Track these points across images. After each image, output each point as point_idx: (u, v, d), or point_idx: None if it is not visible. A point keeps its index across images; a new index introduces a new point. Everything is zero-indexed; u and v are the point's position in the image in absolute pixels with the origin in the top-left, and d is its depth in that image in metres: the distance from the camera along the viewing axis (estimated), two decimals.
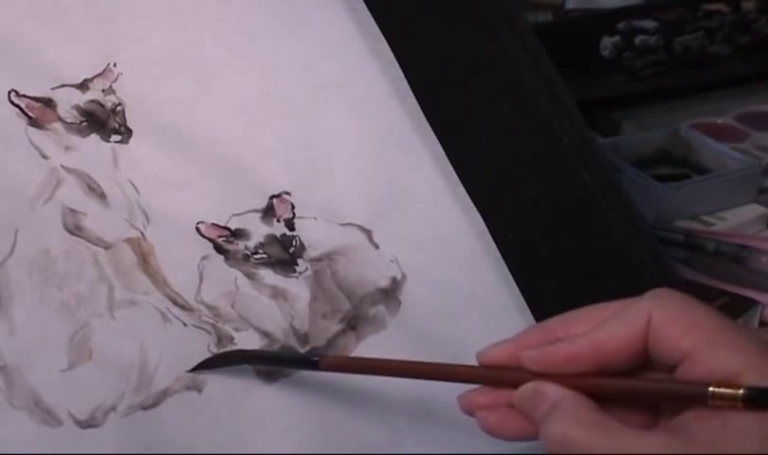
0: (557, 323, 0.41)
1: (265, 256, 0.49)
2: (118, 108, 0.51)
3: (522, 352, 0.39)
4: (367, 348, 0.47)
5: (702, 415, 0.36)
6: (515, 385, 0.39)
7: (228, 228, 0.49)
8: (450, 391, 0.47)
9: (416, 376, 0.43)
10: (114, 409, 0.43)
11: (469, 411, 0.41)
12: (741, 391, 0.35)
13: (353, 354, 0.47)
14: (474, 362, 0.41)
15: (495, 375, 0.40)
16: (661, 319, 0.38)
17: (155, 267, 0.47)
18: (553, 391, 0.38)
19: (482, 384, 0.41)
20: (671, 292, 0.39)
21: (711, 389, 0.35)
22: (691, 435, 0.36)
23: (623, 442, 0.36)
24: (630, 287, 0.42)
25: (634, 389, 0.39)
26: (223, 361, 0.45)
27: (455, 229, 0.52)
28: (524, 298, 0.50)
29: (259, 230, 0.50)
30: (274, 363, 0.46)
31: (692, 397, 0.36)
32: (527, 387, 0.39)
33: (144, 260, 0.47)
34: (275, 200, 0.51)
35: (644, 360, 0.39)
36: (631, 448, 0.35)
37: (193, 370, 0.45)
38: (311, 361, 0.45)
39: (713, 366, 0.36)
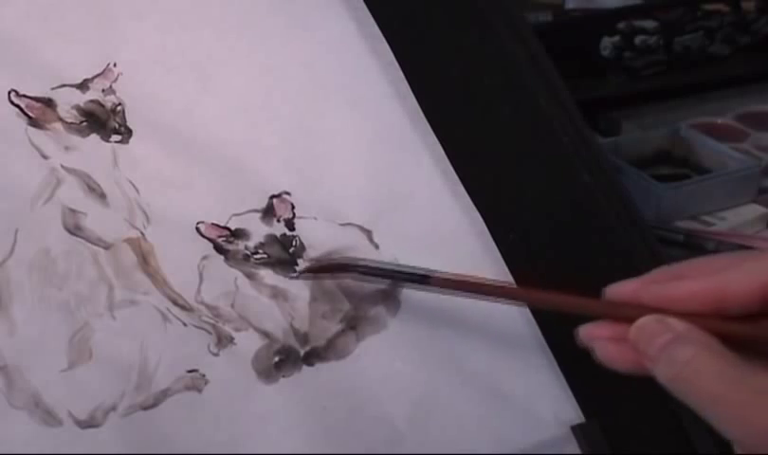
0: (685, 266, 0.40)
1: (265, 256, 0.49)
2: (118, 108, 0.51)
3: (645, 287, 0.39)
4: (367, 348, 0.47)
5: None
6: (633, 320, 0.38)
7: (228, 228, 0.49)
8: (450, 392, 0.47)
9: (529, 303, 0.43)
10: (114, 409, 0.43)
11: (589, 340, 0.40)
12: None
13: (351, 354, 0.47)
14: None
15: (613, 309, 0.40)
16: None
17: (155, 267, 0.47)
18: (677, 323, 0.37)
19: (600, 317, 0.40)
20: None
21: None
22: None
23: (756, 378, 0.34)
24: None
25: (755, 334, 0.37)
26: (330, 268, 0.46)
27: (455, 229, 0.52)
28: None
29: (259, 230, 0.50)
30: (385, 276, 0.47)
31: None
32: (649, 317, 0.38)
33: (144, 260, 0.47)
34: (275, 200, 0.51)
35: (765, 311, 0.37)
36: (763, 385, 0.34)
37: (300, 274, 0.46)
38: (422, 276, 0.45)
39: None
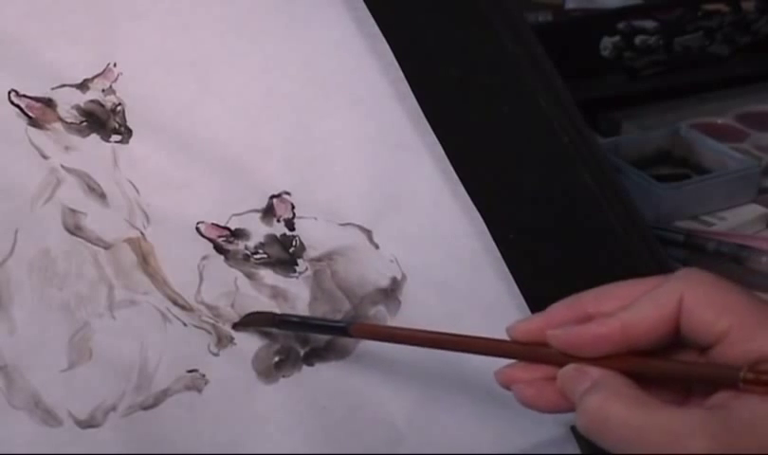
0: (588, 298, 0.41)
1: (265, 256, 0.49)
2: (118, 108, 0.51)
3: (550, 331, 0.39)
4: (367, 348, 0.47)
5: (739, 394, 0.36)
6: (546, 360, 0.39)
7: (228, 228, 0.49)
8: (450, 392, 0.47)
9: (445, 347, 0.43)
10: (114, 409, 0.43)
11: (506, 385, 0.41)
12: None
13: (351, 354, 0.47)
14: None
15: (526, 351, 0.41)
16: (693, 301, 0.38)
17: (155, 267, 0.47)
18: (594, 370, 0.38)
19: (511, 358, 0.41)
20: (701, 272, 0.39)
21: (743, 373, 0.35)
22: (729, 413, 0.35)
23: (660, 417, 0.35)
24: None
25: (666, 370, 0.39)
26: (253, 322, 0.46)
27: (455, 229, 0.52)
28: (524, 298, 0.50)
29: (259, 230, 0.50)
30: (304, 329, 0.47)
31: (725, 379, 0.36)
32: (569, 367, 0.39)
33: (144, 260, 0.47)
34: (275, 200, 0.51)
35: (673, 340, 0.39)
36: (669, 424, 0.35)
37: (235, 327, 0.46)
38: (341, 328, 0.45)
39: (749, 347, 0.36)
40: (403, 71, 0.56)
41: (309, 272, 0.49)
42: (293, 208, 0.51)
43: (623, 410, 0.36)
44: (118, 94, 0.52)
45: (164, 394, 0.44)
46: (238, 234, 0.49)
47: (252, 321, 0.46)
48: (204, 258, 0.48)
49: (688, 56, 0.94)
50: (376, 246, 0.51)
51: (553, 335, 0.39)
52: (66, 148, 0.49)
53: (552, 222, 0.54)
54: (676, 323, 0.38)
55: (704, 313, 0.37)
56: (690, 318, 0.38)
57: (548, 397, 0.40)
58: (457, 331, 0.48)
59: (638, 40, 0.93)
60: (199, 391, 0.45)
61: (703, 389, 0.38)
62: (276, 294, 0.48)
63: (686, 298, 0.38)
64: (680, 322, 0.38)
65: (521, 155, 0.55)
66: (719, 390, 0.37)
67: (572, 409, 0.39)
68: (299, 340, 0.47)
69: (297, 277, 0.49)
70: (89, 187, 0.49)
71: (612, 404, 0.36)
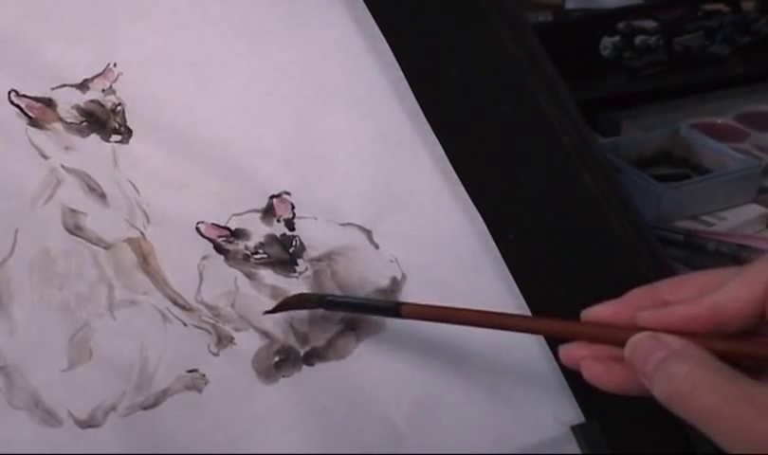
0: (665, 286, 0.40)
1: (265, 256, 0.49)
2: (118, 108, 0.51)
3: (638, 312, 0.39)
4: (367, 348, 0.47)
5: None
6: (619, 342, 0.39)
7: (228, 228, 0.49)
8: (450, 392, 0.47)
9: (506, 328, 0.43)
10: (114, 409, 0.43)
11: (572, 363, 0.40)
12: None
13: (351, 354, 0.47)
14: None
15: (597, 331, 0.40)
16: None
17: (155, 267, 0.47)
18: (673, 339, 0.37)
19: (581, 339, 0.40)
20: None
21: None
22: None
23: (751, 389, 0.35)
24: (630, 287, 0.42)
25: (753, 353, 0.38)
26: (299, 304, 0.46)
27: (455, 229, 0.52)
28: (524, 298, 0.50)
29: (259, 230, 0.50)
30: (353, 309, 0.47)
31: None
32: (643, 335, 0.38)
33: (144, 260, 0.47)
34: (275, 200, 0.51)
35: (759, 323, 0.38)
36: (761, 396, 0.34)
37: (271, 311, 0.46)
38: (390, 308, 0.45)
39: None
40: (403, 71, 0.56)
41: (309, 272, 0.49)
42: (293, 208, 0.51)
43: (713, 378, 0.35)
44: (118, 94, 0.52)
45: (164, 394, 0.44)
46: (238, 234, 0.49)
47: (296, 303, 0.47)
48: (204, 258, 0.48)
49: (688, 56, 0.94)
50: (376, 246, 0.51)
51: (642, 315, 0.39)
52: (66, 148, 0.49)
53: (552, 222, 0.54)
54: (764, 306, 0.37)
55: None
56: None
57: (616, 375, 0.39)
58: (457, 331, 0.48)
59: (638, 40, 0.93)
60: (199, 391, 0.45)
61: None
62: (276, 294, 0.48)
63: None
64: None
65: (521, 155, 0.55)
66: None
67: (638, 389, 0.38)
68: (299, 340, 0.47)
69: (297, 277, 0.49)
70: (89, 187, 0.49)
71: (701, 371, 0.35)
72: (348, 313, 0.47)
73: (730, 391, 0.35)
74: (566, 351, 0.41)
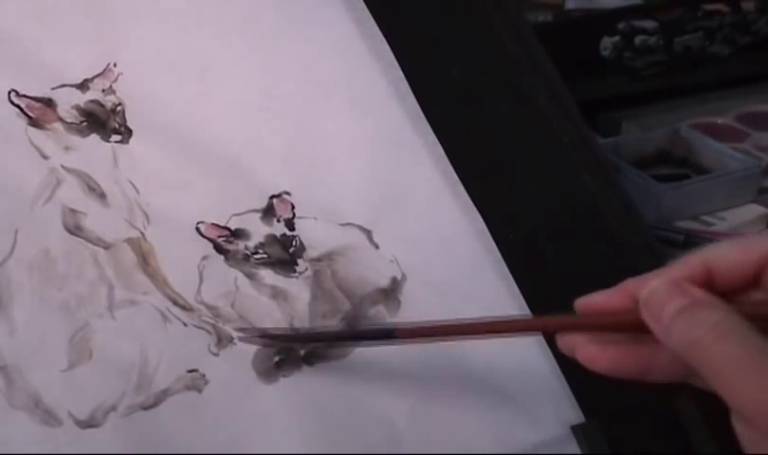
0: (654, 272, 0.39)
1: (265, 256, 0.49)
2: (118, 108, 0.51)
3: (631, 286, 0.38)
4: (367, 348, 0.47)
5: None
6: (613, 327, 0.38)
7: (228, 228, 0.49)
8: (450, 391, 0.47)
9: (498, 334, 0.43)
10: (114, 409, 0.43)
11: (569, 351, 0.40)
12: None
13: (351, 354, 0.47)
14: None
15: (592, 321, 0.40)
16: None
17: (154, 267, 0.47)
18: (695, 289, 0.36)
19: (576, 331, 0.40)
20: None
21: None
22: None
23: None
24: None
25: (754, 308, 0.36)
26: (290, 341, 0.46)
27: (455, 229, 0.52)
28: (524, 298, 0.50)
29: (259, 230, 0.50)
30: (348, 341, 0.47)
31: None
32: (661, 283, 0.37)
33: (144, 260, 0.47)
34: (275, 200, 0.51)
35: (749, 289, 0.37)
36: None
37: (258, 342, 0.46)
38: (387, 332, 0.45)
39: None
40: (403, 71, 0.56)
41: (309, 272, 0.49)
42: (293, 208, 0.51)
43: (744, 329, 0.34)
44: (118, 94, 0.52)
45: (164, 394, 0.44)
46: (238, 234, 0.49)
47: (286, 339, 0.46)
48: (204, 258, 0.48)
49: (688, 56, 0.94)
50: (376, 246, 0.51)
51: (632, 283, 0.38)
52: (66, 148, 0.49)
53: (552, 222, 0.54)
54: (759, 271, 0.37)
55: None
56: None
57: (611, 355, 0.38)
58: None
59: (638, 40, 0.93)
60: (199, 391, 0.45)
61: None
62: (276, 294, 0.48)
63: None
64: (764, 274, 0.37)
65: (520, 155, 0.55)
66: None
67: (631, 369, 0.38)
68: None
69: (297, 277, 0.49)
70: (89, 187, 0.49)
71: (736, 321, 0.35)
72: (344, 342, 0.47)
73: (759, 344, 0.34)
74: (564, 340, 0.40)
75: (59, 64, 0.51)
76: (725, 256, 0.38)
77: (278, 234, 0.50)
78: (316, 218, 0.51)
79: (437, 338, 0.45)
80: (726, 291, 0.37)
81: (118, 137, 0.51)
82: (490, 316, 0.43)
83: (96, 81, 0.52)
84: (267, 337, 0.46)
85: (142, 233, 0.48)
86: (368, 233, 0.51)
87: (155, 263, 0.47)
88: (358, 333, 0.48)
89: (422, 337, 0.45)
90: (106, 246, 0.47)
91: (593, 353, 0.39)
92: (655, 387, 0.41)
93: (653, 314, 0.37)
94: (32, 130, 0.49)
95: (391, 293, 0.49)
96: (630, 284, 0.40)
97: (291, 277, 0.49)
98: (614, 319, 0.39)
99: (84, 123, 0.51)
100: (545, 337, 0.48)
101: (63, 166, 0.49)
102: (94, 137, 0.50)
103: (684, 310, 0.36)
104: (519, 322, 0.45)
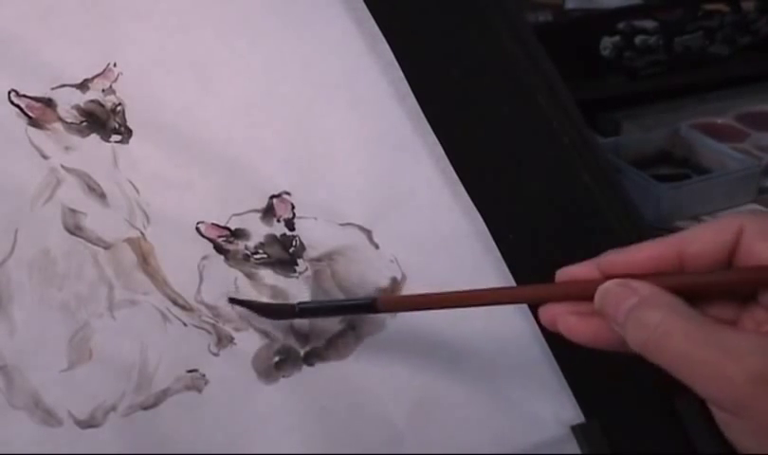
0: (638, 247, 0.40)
1: (265, 256, 0.49)
2: (118, 108, 0.51)
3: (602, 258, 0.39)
4: (367, 348, 0.47)
5: None
6: (590, 297, 0.39)
7: (228, 228, 0.49)
8: (450, 392, 0.47)
9: (480, 304, 0.43)
10: (114, 409, 0.43)
11: (551, 324, 0.40)
12: None
13: (351, 354, 0.47)
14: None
15: (572, 288, 0.40)
16: (754, 231, 0.37)
17: (155, 267, 0.47)
18: (642, 286, 0.37)
19: (551, 301, 0.40)
20: (765, 211, 0.39)
21: None
22: None
23: (720, 335, 0.35)
24: None
25: (724, 280, 0.38)
26: (273, 314, 0.46)
27: (455, 229, 0.52)
28: None
29: (259, 230, 0.50)
30: (329, 313, 0.47)
31: None
32: (612, 283, 0.38)
33: (144, 260, 0.47)
34: (275, 200, 0.51)
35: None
36: (728, 341, 0.35)
37: (239, 303, 0.46)
38: (367, 304, 0.45)
39: None
40: (403, 71, 0.56)
41: (309, 272, 0.49)
42: (293, 208, 0.51)
43: (685, 325, 0.35)
44: (118, 94, 0.52)
45: (164, 394, 0.44)
46: (238, 234, 0.49)
47: (266, 311, 0.47)
48: (204, 258, 0.48)
49: (688, 56, 0.94)
50: (376, 246, 0.51)
51: (605, 259, 0.39)
52: (66, 148, 0.49)
53: (552, 222, 0.54)
54: (731, 252, 0.37)
55: (762, 245, 0.37)
56: (750, 248, 0.37)
57: (591, 326, 0.39)
58: (457, 331, 0.48)
59: (638, 40, 0.93)
60: (199, 390, 0.45)
61: (752, 320, 0.37)
62: (276, 294, 0.48)
63: (747, 227, 0.37)
64: (737, 251, 0.37)
65: (520, 155, 0.55)
66: None
67: (612, 341, 0.38)
68: (299, 340, 0.47)
69: (297, 277, 0.49)
70: (89, 187, 0.49)
71: (674, 319, 0.36)
72: (327, 317, 0.47)
73: (701, 336, 0.35)
74: (545, 312, 0.41)
75: (59, 64, 0.51)
76: (698, 238, 0.38)
77: (278, 234, 0.50)
78: (316, 218, 0.51)
79: (419, 308, 0.45)
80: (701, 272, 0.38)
81: (118, 137, 0.51)
82: (472, 288, 0.44)
83: (96, 81, 0.52)
84: (254, 308, 0.46)
85: (142, 233, 0.48)
86: (368, 233, 0.51)
87: (154, 263, 0.47)
88: (340, 305, 0.48)
89: (403, 308, 0.46)
90: (106, 246, 0.47)
91: (574, 324, 0.40)
92: (655, 387, 0.41)
93: (609, 314, 0.38)
94: (32, 130, 0.49)
95: (391, 293, 0.49)
96: (610, 256, 0.40)
97: (291, 277, 0.49)
98: (592, 289, 0.39)
99: (84, 123, 0.51)
100: (546, 338, 0.48)
101: (63, 166, 0.49)
102: (94, 137, 0.50)
103: (632, 309, 0.37)
104: (502, 291, 0.45)
